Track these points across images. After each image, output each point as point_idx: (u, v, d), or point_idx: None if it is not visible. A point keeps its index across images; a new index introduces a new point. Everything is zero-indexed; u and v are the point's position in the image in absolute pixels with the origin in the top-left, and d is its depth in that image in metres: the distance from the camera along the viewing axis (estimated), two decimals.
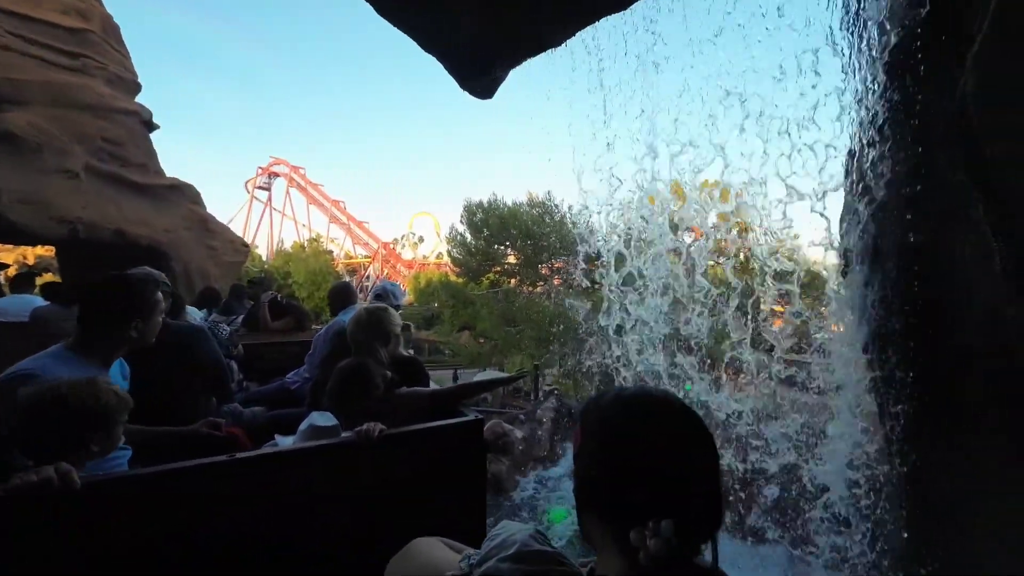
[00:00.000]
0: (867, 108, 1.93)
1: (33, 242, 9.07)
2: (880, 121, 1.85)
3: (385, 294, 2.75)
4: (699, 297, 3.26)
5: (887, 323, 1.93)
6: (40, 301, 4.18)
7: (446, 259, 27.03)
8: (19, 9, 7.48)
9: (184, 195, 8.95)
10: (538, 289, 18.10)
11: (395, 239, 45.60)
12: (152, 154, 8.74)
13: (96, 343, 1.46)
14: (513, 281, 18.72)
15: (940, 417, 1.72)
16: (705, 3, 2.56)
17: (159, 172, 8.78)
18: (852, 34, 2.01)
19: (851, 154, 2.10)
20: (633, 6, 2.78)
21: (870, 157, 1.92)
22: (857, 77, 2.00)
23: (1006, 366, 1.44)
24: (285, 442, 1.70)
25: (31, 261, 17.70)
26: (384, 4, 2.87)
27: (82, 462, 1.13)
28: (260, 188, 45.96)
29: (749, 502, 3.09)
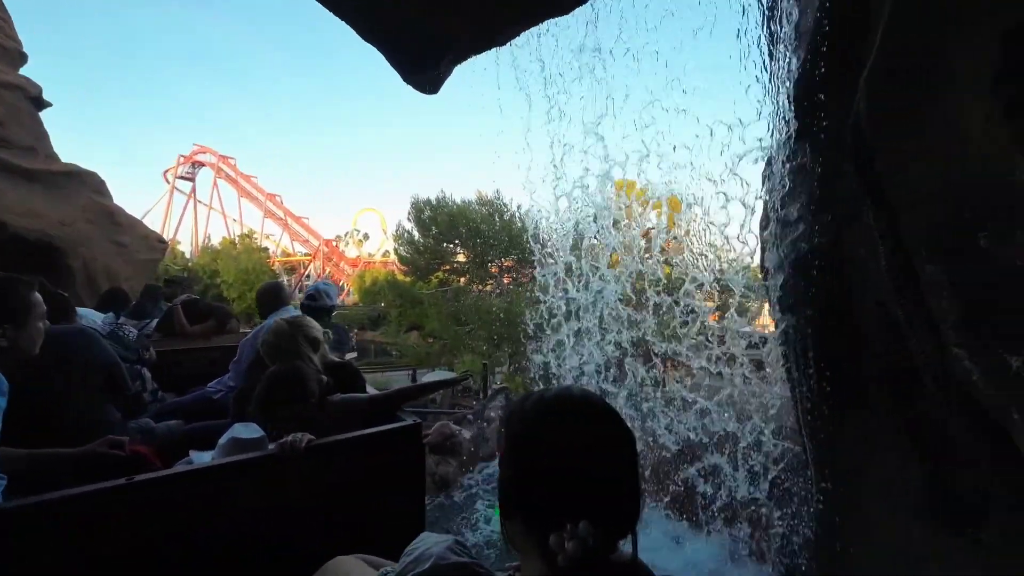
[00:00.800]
0: (783, 122, 2.11)
1: None
2: (792, 134, 2.04)
3: (318, 295, 2.60)
4: (649, 295, 3.42)
5: (796, 316, 2.13)
6: None
7: (393, 257, 26.19)
8: None
9: (84, 184, 7.88)
10: (488, 288, 18.10)
11: (338, 236, 43.45)
12: (42, 136, 7.61)
13: None
14: (462, 280, 18.56)
15: (839, 397, 1.93)
16: (641, 13, 2.68)
17: (52, 157, 7.66)
18: (771, 55, 2.19)
19: (768, 163, 2.29)
20: (576, 10, 2.85)
21: (784, 167, 2.10)
22: (775, 94, 2.18)
23: (890, 351, 1.64)
24: (202, 458, 1.54)
25: None
26: None
27: None
28: (182, 178, 41.83)
29: (674, 477, 3.28)
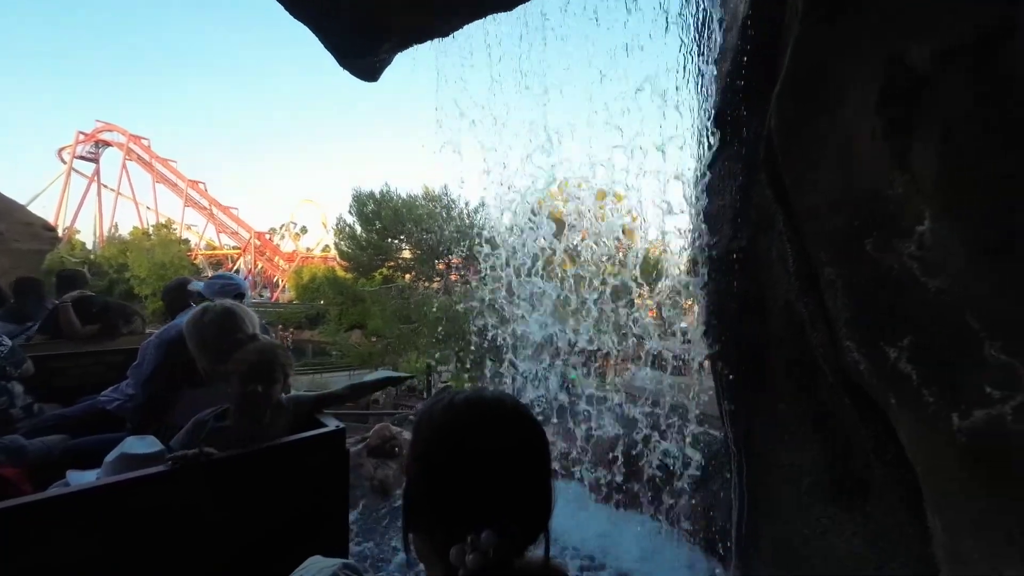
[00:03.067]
0: (706, 131, 2.25)
1: None
2: (714, 144, 2.17)
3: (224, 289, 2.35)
4: (586, 294, 3.51)
5: (718, 314, 2.29)
6: None
7: (333, 252, 24.86)
8: None
9: None
10: (435, 285, 17.78)
11: (272, 229, 40.53)
12: None
13: None
14: (408, 277, 18.07)
15: (753, 387, 2.10)
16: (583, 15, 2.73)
17: None
18: (700, 65, 2.32)
19: (698, 173, 2.43)
20: (520, 8, 2.84)
21: (706, 176, 2.24)
22: (701, 108, 2.32)
23: (796, 346, 1.80)
24: (82, 478, 1.34)
25: None
26: None
27: None
28: (82, 158, 36.84)
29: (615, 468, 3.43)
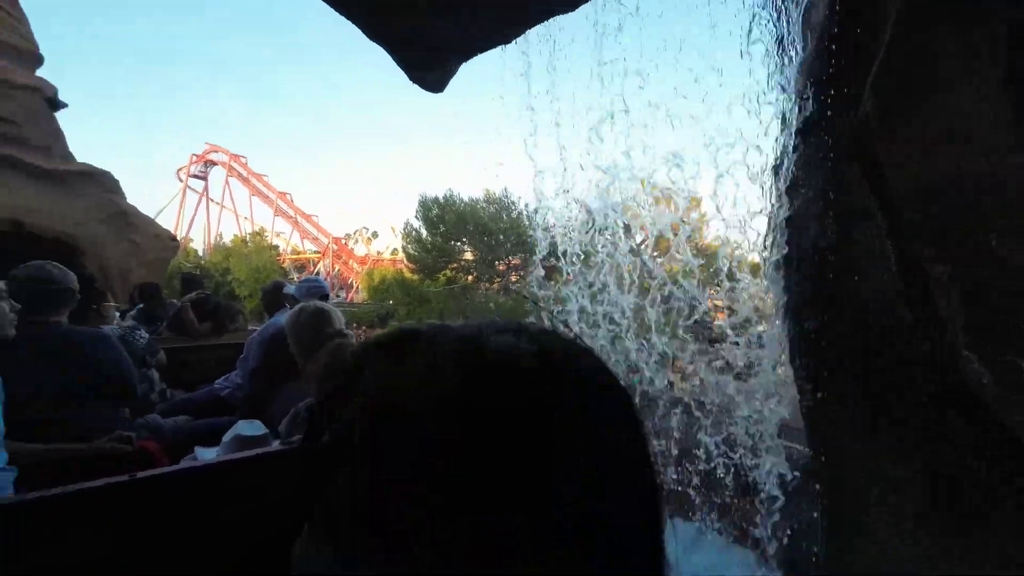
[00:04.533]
0: (787, 121, 2.08)
1: None
2: (797, 133, 2.01)
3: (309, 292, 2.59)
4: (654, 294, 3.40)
5: (800, 317, 2.11)
6: None
7: (401, 255, 26.31)
8: None
9: (99, 184, 8.04)
10: (495, 286, 18.14)
11: (347, 234, 43.76)
12: (58, 136, 7.77)
13: None
14: (470, 278, 18.62)
15: (844, 398, 1.90)
16: (654, 12, 2.65)
17: (67, 157, 7.82)
18: (779, 52, 2.15)
19: (777, 162, 2.26)
20: (583, 8, 2.83)
21: (788, 167, 2.07)
22: (783, 88, 2.15)
23: (896, 352, 1.61)
24: (206, 454, 1.58)
25: None
26: None
27: None
28: (195, 177, 42.45)
29: (685, 479, 3.27)
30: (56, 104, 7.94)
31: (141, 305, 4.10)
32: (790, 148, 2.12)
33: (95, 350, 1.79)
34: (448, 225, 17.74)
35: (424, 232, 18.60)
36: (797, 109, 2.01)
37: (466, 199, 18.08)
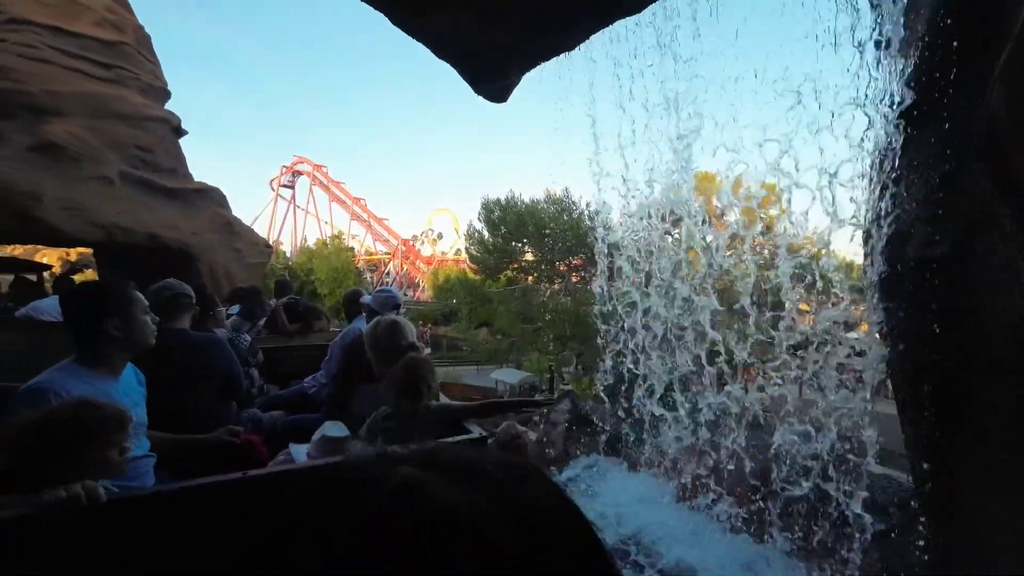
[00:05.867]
0: (890, 116, 1.85)
1: (72, 245, 9.58)
2: (901, 129, 1.77)
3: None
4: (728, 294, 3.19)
5: (909, 332, 1.86)
6: None
7: (464, 256, 27.18)
8: (58, 23, 7.87)
9: (210, 199, 9.27)
10: (556, 286, 18.05)
11: (414, 236, 46.10)
12: (181, 159, 9.09)
13: (90, 350, 1.48)
14: (531, 278, 18.73)
15: (961, 425, 1.65)
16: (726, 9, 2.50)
17: (187, 177, 9.12)
18: (879, 43, 1.92)
19: (877, 161, 2.02)
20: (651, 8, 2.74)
21: (890, 168, 1.84)
22: (882, 82, 1.91)
23: None
24: (299, 450, 1.76)
25: (73, 258, 18.65)
26: (396, 14, 2.89)
27: (93, 477, 1.14)
28: (284, 186, 47.17)
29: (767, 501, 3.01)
30: (179, 132, 9.28)
31: (241, 306, 4.66)
32: (893, 147, 1.88)
33: (210, 353, 2.09)
34: (509, 226, 17.97)
35: (486, 233, 19.02)
36: (900, 101, 1.78)
37: (527, 200, 18.19)
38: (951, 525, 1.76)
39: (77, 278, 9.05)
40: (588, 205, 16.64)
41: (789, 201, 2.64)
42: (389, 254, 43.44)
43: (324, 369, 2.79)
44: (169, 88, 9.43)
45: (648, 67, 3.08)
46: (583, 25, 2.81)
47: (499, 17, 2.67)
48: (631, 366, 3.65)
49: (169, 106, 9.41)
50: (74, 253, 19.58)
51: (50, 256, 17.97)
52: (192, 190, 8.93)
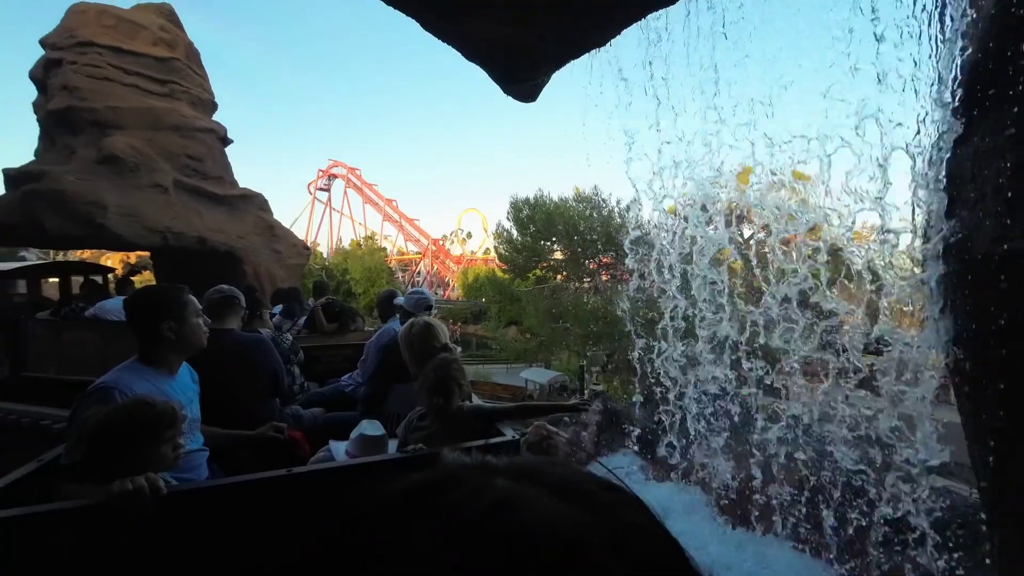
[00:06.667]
0: (949, 94, 1.71)
1: (131, 249, 10.33)
2: (960, 115, 1.64)
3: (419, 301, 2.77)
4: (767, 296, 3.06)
5: (970, 334, 1.72)
6: None
7: (493, 255, 27.36)
8: (118, 43, 8.50)
9: (254, 203, 9.77)
10: (585, 285, 17.86)
11: (444, 235, 46.81)
12: (227, 167, 9.62)
13: (149, 350, 1.59)
14: (560, 277, 18.62)
15: None
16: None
17: (233, 183, 9.65)
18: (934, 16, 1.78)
19: (934, 151, 1.88)
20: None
21: (949, 156, 1.71)
22: (945, 67, 1.77)
23: None
24: (338, 447, 1.83)
25: (133, 260, 20.14)
26: (428, 19, 2.94)
27: (151, 471, 1.21)
28: (321, 189, 48.95)
29: (814, 511, 2.87)
30: (226, 141, 9.82)
31: (282, 305, 4.89)
32: (953, 134, 1.74)
33: (256, 353, 2.20)
34: (538, 225, 17.92)
35: (515, 232, 19.05)
36: (963, 84, 1.64)
37: (555, 198, 18.07)
38: (1014, 546, 1.62)
39: (136, 280, 9.76)
40: (618, 202, 16.37)
41: (827, 192, 2.50)
42: (420, 254, 44.31)
43: (360, 368, 2.88)
44: (216, 100, 9.98)
45: (684, 57, 2.99)
46: (617, 19, 2.76)
47: (532, 16, 2.66)
48: (668, 367, 3.57)
49: (216, 117, 9.97)
50: (133, 256, 21.14)
51: (112, 259, 19.48)
52: (237, 196, 9.43)
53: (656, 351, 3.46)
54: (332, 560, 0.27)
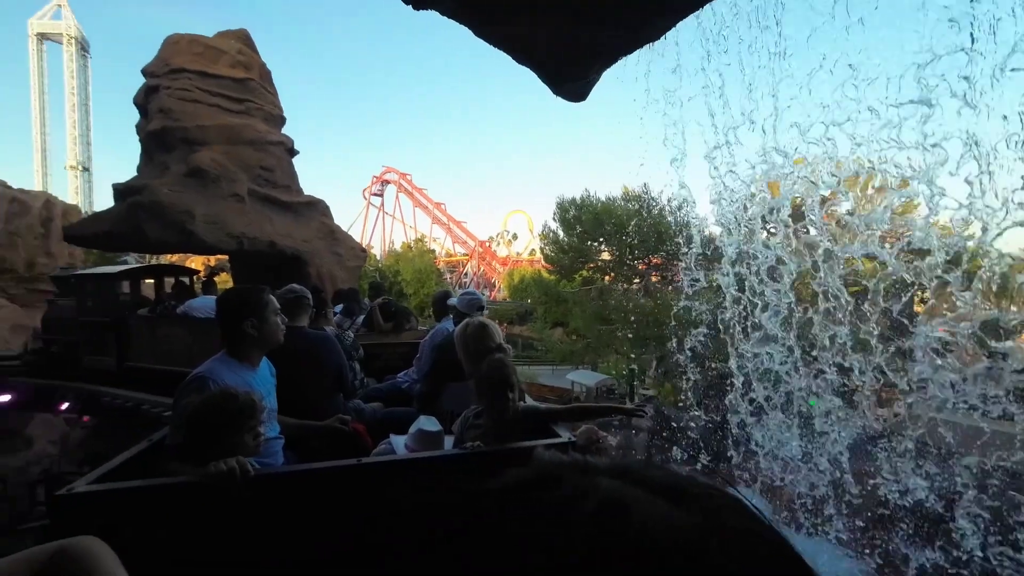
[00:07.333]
0: None
1: (213, 253, 11.43)
2: None
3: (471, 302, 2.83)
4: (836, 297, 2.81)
5: None
6: None
7: (538, 256, 27.32)
8: (204, 68, 9.47)
9: (317, 209, 10.47)
10: (634, 286, 17.36)
11: (490, 237, 47.46)
12: (294, 176, 10.39)
13: (235, 345, 1.74)
14: (607, 278, 18.23)
15: None
16: None
17: (299, 191, 10.41)
18: None
19: None
20: None
21: None
22: None
23: None
24: (398, 441, 1.91)
25: (213, 263, 22.27)
26: (479, 24, 3.00)
27: (238, 455, 1.34)
28: (374, 195, 51.41)
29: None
30: (293, 152, 10.61)
31: (342, 305, 5.18)
32: None
33: (324, 349, 2.36)
34: (585, 225, 17.65)
35: (561, 233, 18.90)
36: None
37: (603, 198, 17.72)
38: None
39: (217, 280, 10.78)
40: (669, 201, 15.75)
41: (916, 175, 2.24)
42: (467, 255, 45.23)
43: (415, 366, 2.99)
44: (285, 114, 10.82)
45: (743, 49, 2.83)
46: (673, 11, 2.66)
47: (585, 12, 2.64)
48: (734, 370, 3.37)
49: (284, 130, 10.80)
50: (213, 259, 23.39)
51: (195, 262, 21.64)
52: (303, 203, 10.16)
53: (731, 354, 3.27)
54: (437, 552, 0.27)
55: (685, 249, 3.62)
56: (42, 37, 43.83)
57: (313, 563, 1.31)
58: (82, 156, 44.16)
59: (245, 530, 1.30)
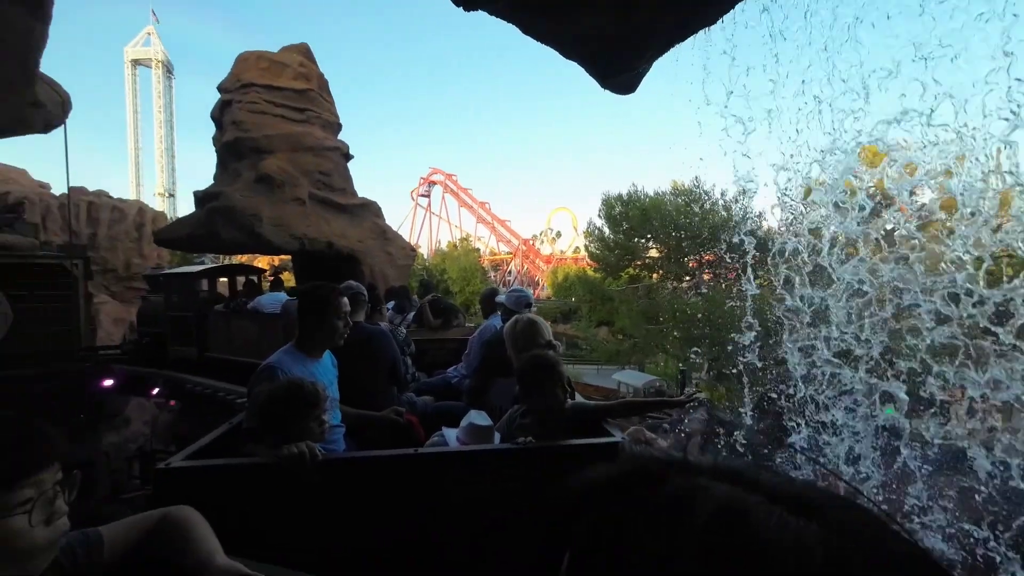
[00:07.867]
0: None
1: (277, 253, 12.32)
2: None
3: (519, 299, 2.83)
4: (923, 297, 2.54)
5: None
6: (287, 297, 5.73)
7: (583, 254, 26.93)
8: (269, 81, 10.23)
9: (370, 211, 10.98)
10: (684, 284, 16.64)
11: (534, 235, 47.42)
12: (349, 179, 10.96)
13: (304, 339, 1.87)
14: (655, 276, 17.60)
15: None
16: None
17: (354, 193, 10.97)
18: None
19: None
20: None
21: None
22: None
23: None
24: (450, 434, 1.97)
25: (277, 263, 24.01)
26: (527, 22, 3.00)
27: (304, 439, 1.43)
28: (422, 196, 52.99)
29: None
30: (348, 156, 11.19)
31: (394, 302, 5.39)
32: None
33: (380, 343, 2.47)
34: (631, 222, 17.13)
35: (606, 230, 18.48)
36: None
37: (651, 193, 17.10)
38: None
39: (281, 278, 11.60)
40: (723, 194, 14.91)
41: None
42: (511, 253, 45.49)
43: (465, 362, 3.06)
44: (341, 122, 11.43)
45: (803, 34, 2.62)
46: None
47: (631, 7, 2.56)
48: (799, 371, 3.14)
49: (340, 136, 11.41)
50: (277, 259, 25.20)
51: (261, 261, 23.40)
52: (357, 204, 10.70)
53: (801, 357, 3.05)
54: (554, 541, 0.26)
55: (754, 252, 3.38)
56: (135, 63, 49.49)
57: (372, 549, 1.39)
58: (168, 184, 49.86)
59: (311, 510, 1.40)
